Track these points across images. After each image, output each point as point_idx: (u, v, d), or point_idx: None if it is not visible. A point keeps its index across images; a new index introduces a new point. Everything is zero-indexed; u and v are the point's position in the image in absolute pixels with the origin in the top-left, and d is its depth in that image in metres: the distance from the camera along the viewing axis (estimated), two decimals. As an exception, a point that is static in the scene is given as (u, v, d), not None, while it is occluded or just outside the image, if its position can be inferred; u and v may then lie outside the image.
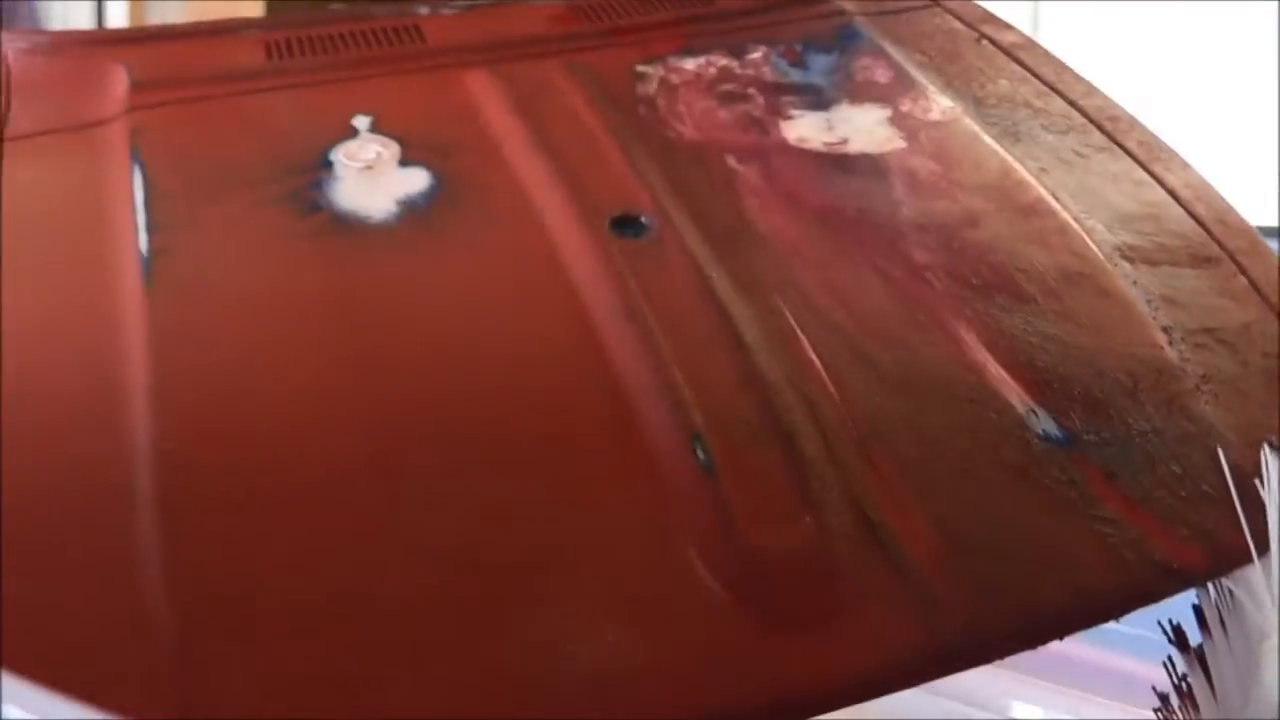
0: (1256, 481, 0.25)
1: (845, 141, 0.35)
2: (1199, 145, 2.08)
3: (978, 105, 0.42)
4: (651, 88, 0.35)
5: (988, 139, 0.39)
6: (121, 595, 0.19)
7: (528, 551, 0.24)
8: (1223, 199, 0.52)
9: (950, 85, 0.42)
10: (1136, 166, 0.44)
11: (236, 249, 0.27)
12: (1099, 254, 0.44)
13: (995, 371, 0.30)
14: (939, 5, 0.42)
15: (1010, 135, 0.42)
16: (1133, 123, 0.39)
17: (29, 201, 0.25)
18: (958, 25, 0.41)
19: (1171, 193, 0.45)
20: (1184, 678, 0.30)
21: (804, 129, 0.35)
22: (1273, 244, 1.61)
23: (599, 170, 0.32)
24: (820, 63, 0.37)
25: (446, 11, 0.35)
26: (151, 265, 0.25)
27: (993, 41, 0.42)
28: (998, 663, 0.36)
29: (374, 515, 0.24)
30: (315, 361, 0.25)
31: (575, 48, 0.36)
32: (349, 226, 0.29)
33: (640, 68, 0.37)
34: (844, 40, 0.40)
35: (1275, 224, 1.64)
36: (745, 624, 0.23)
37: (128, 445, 0.23)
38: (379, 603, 0.22)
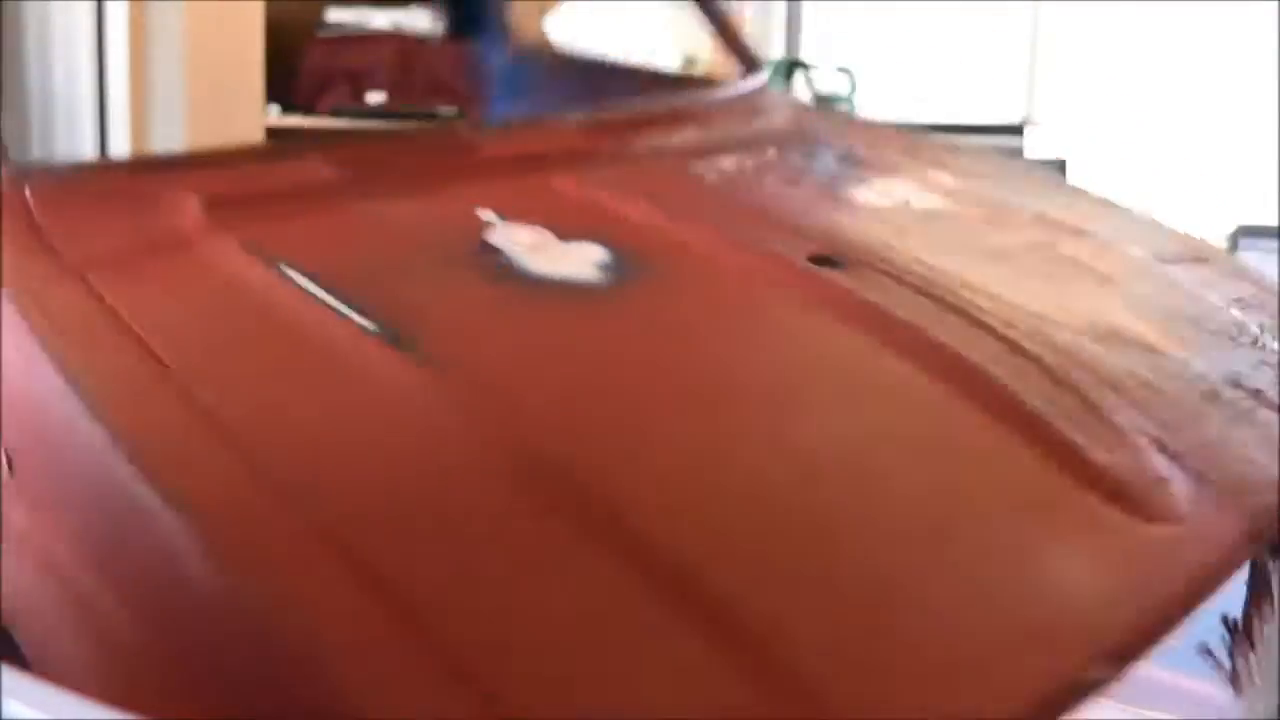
0: None
1: (908, 200, 0.36)
2: (1199, 145, 2.09)
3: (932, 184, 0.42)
4: (718, 175, 0.35)
5: (989, 193, 0.39)
6: None
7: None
8: None
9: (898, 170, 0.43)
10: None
11: (475, 319, 0.25)
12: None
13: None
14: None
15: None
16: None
17: (187, 321, 0.23)
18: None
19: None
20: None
21: (872, 193, 0.35)
22: (1273, 244, 1.61)
23: (759, 228, 0.31)
24: (825, 156, 0.38)
25: (486, 130, 0.35)
26: (401, 343, 0.23)
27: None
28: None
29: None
30: (681, 425, 0.23)
31: (623, 156, 0.37)
32: (570, 289, 0.27)
33: (692, 164, 0.37)
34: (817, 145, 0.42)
35: (1275, 224, 1.64)
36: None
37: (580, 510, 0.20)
38: None
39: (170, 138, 2.58)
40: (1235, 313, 0.29)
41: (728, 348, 0.28)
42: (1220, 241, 1.70)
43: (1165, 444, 0.23)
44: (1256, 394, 0.25)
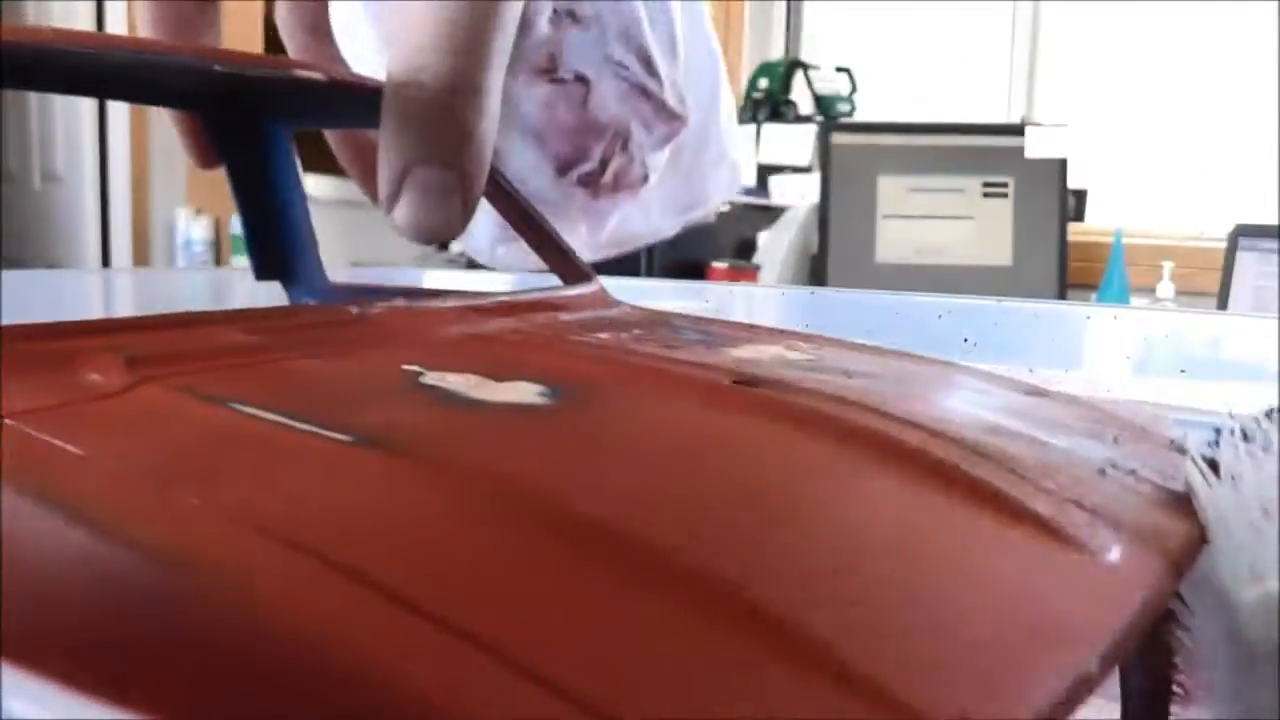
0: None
1: (781, 355, 0.37)
2: (1199, 145, 2.09)
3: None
4: (605, 339, 0.36)
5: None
6: None
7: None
8: None
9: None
10: None
11: (441, 429, 0.26)
12: None
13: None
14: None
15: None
16: None
17: (140, 445, 0.23)
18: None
19: None
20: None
21: (747, 352, 0.37)
22: (1273, 244, 1.62)
23: (673, 365, 0.32)
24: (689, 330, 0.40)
25: (377, 308, 0.36)
26: (378, 445, 0.23)
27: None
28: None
29: None
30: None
31: (515, 328, 0.38)
32: (520, 408, 0.28)
33: (575, 333, 0.38)
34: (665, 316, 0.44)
35: (1275, 224, 1.64)
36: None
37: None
38: None
39: (170, 137, 2.59)
40: (1089, 425, 0.32)
41: (699, 432, 0.29)
42: (1220, 241, 1.70)
43: (1079, 502, 0.25)
44: (1133, 472, 0.27)
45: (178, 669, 0.17)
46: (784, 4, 2.55)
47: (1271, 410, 0.26)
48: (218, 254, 2.53)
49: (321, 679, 0.17)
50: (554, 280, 0.44)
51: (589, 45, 0.66)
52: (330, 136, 0.43)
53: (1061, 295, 1.84)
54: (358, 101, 0.40)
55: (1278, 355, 0.58)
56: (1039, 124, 2.01)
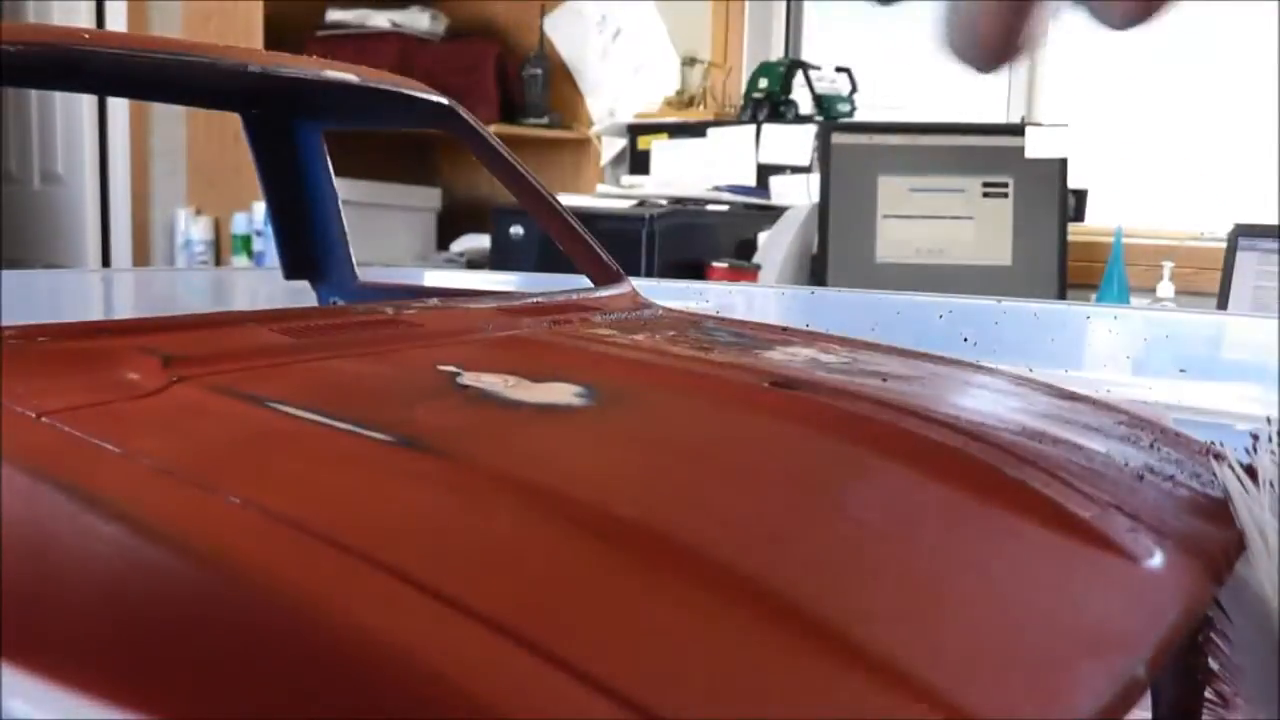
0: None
1: (815, 358, 0.37)
2: (1199, 144, 2.09)
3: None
4: (639, 340, 0.36)
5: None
6: None
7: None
8: None
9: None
10: None
11: (479, 431, 0.25)
12: None
13: None
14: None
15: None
16: None
17: (177, 440, 0.22)
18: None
19: None
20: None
21: (782, 354, 0.36)
22: (1273, 244, 1.61)
23: (709, 367, 0.32)
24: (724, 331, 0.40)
25: (411, 308, 0.35)
26: (417, 446, 0.23)
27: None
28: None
29: None
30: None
31: (547, 328, 0.37)
32: (558, 408, 0.27)
33: (609, 333, 0.38)
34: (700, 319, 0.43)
35: (1275, 224, 1.64)
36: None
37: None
38: None
39: (170, 138, 2.59)
40: (1125, 429, 0.32)
41: (739, 435, 0.29)
42: (1220, 241, 1.70)
43: (1121, 508, 0.25)
44: (1171, 478, 0.27)
45: (216, 667, 0.17)
46: (784, 4, 2.55)
47: None
48: (218, 254, 2.53)
49: (366, 678, 0.16)
50: (584, 281, 0.43)
51: None
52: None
53: (1061, 295, 1.84)
54: (388, 102, 0.40)
55: (1278, 355, 0.58)
56: (1039, 124, 2.01)
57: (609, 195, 2.14)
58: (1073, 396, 0.35)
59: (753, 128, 2.18)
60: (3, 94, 2.67)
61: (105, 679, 0.17)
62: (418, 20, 2.64)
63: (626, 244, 1.74)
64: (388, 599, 0.18)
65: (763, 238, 1.97)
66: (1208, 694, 0.27)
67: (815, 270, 1.93)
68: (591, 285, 0.43)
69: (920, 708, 0.18)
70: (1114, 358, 0.78)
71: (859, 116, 2.23)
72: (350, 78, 0.35)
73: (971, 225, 1.90)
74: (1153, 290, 1.78)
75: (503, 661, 0.16)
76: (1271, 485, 0.21)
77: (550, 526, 0.21)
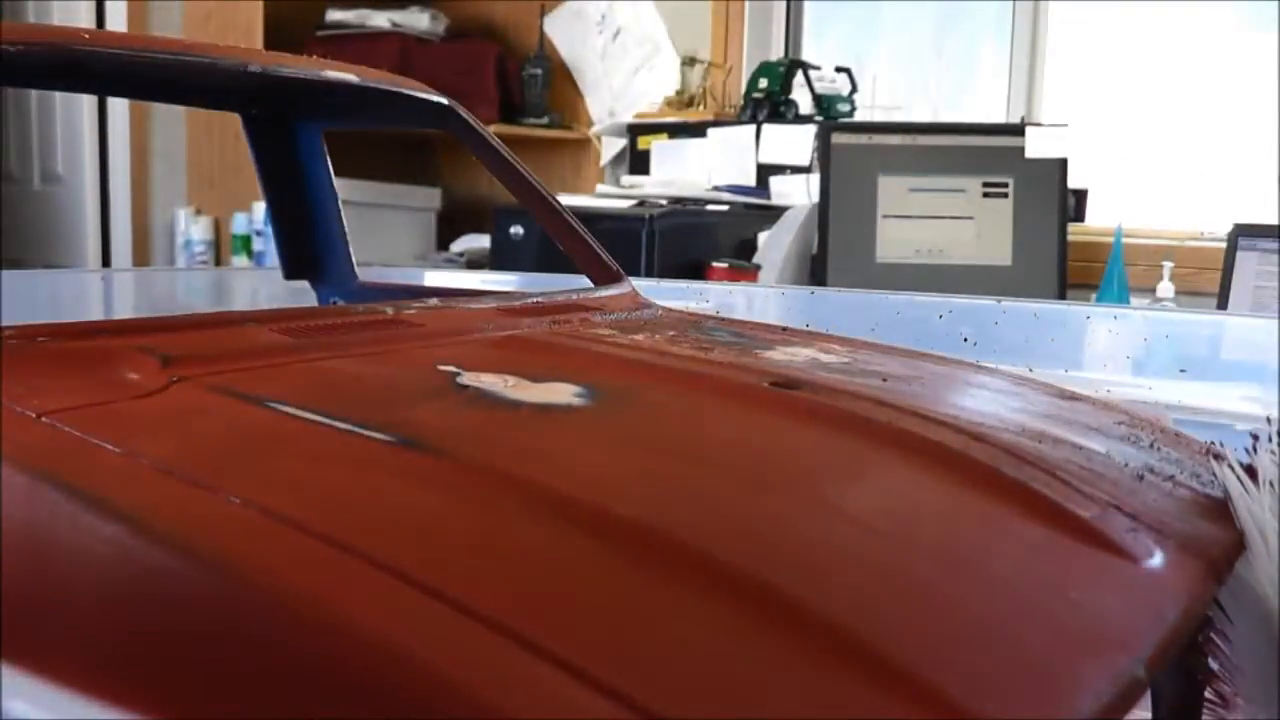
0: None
1: (815, 358, 0.37)
2: (1199, 144, 2.09)
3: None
4: (640, 339, 0.36)
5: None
6: None
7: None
8: None
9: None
10: None
11: (480, 431, 0.25)
12: None
13: None
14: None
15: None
16: None
17: (178, 441, 0.22)
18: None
19: None
20: None
21: (782, 354, 0.36)
22: (1272, 244, 1.61)
23: (709, 368, 0.32)
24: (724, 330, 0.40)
25: (411, 308, 0.35)
26: (419, 447, 0.23)
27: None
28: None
29: None
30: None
31: (546, 329, 0.37)
32: (558, 409, 0.27)
33: (610, 333, 0.38)
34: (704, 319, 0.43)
35: (1275, 224, 1.64)
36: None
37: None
38: None
39: (170, 138, 2.59)
40: (1125, 429, 0.31)
41: (739, 435, 0.29)
42: (1220, 241, 1.70)
43: (1121, 508, 0.24)
44: (1171, 478, 0.27)
45: (216, 667, 0.16)
46: (784, 4, 2.55)
47: None
48: (218, 254, 2.53)
49: (366, 677, 0.16)
50: (584, 281, 0.43)
51: None
52: None
53: (1061, 295, 1.84)
54: (388, 102, 0.40)
55: (1278, 355, 0.58)
56: (1039, 124, 2.01)
57: (609, 195, 2.14)
58: (1073, 396, 0.35)
59: (753, 128, 2.18)
60: (3, 94, 2.67)
61: (105, 679, 0.17)
62: (418, 20, 2.64)
63: (626, 244, 1.74)
64: (388, 599, 0.18)
65: (763, 238, 1.97)
66: (1208, 694, 0.27)
67: (815, 270, 1.93)
68: (591, 285, 0.43)
69: (920, 707, 0.18)
70: (1114, 358, 0.78)
71: (859, 116, 2.23)
72: (350, 78, 0.35)
73: (971, 225, 1.90)
74: (1153, 290, 1.78)
75: (503, 661, 0.16)
76: (1271, 485, 0.21)
77: (550, 527, 0.21)
